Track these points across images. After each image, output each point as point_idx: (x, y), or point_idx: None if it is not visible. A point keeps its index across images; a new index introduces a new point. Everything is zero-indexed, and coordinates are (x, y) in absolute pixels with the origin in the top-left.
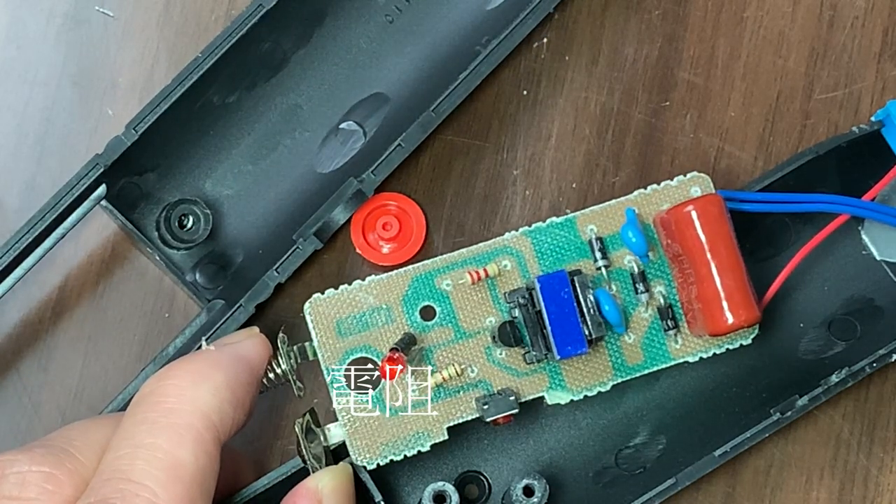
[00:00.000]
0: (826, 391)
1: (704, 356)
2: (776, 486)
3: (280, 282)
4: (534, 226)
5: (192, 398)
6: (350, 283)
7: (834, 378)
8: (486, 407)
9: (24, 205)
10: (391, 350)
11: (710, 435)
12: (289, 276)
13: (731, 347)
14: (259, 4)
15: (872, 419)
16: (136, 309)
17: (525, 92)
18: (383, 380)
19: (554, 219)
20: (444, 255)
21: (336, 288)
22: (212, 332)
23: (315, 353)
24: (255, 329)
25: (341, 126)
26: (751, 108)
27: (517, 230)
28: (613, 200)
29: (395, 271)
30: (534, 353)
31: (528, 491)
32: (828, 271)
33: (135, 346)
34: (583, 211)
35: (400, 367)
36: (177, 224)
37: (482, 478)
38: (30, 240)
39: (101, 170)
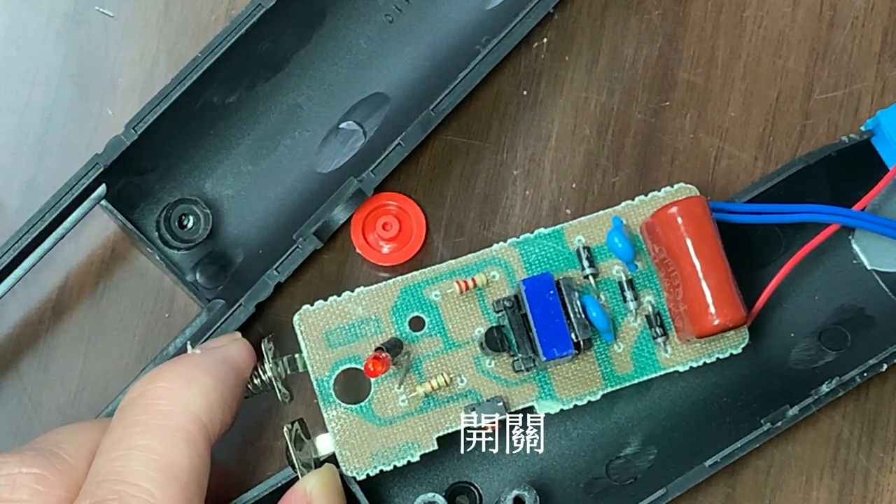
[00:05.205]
0: (816, 401)
1: (694, 365)
2: (776, 486)
3: (280, 281)
4: (522, 236)
5: (183, 400)
6: (346, 288)
7: (824, 388)
8: (473, 413)
9: (24, 205)
10: (376, 350)
11: (701, 445)
12: (289, 276)
13: (721, 357)
14: (258, 4)
15: (872, 419)
16: (136, 309)
17: (525, 92)
18: (369, 378)
19: (542, 230)
20: (433, 267)
21: (334, 291)
22: (212, 331)
23: (305, 365)
24: (238, 334)
25: (341, 126)
26: (751, 108)
27: (506, 241)
28: (601, 211)
29: (384, 282)
30: (520, 355)
31: (519, 502)
32: (818, 281)
33: (135, 346)
34: (570, 222)
35: (385, 367)
36: (177, 224)
37: (473, 489)
38: (30, 240)
39: (101, 169)
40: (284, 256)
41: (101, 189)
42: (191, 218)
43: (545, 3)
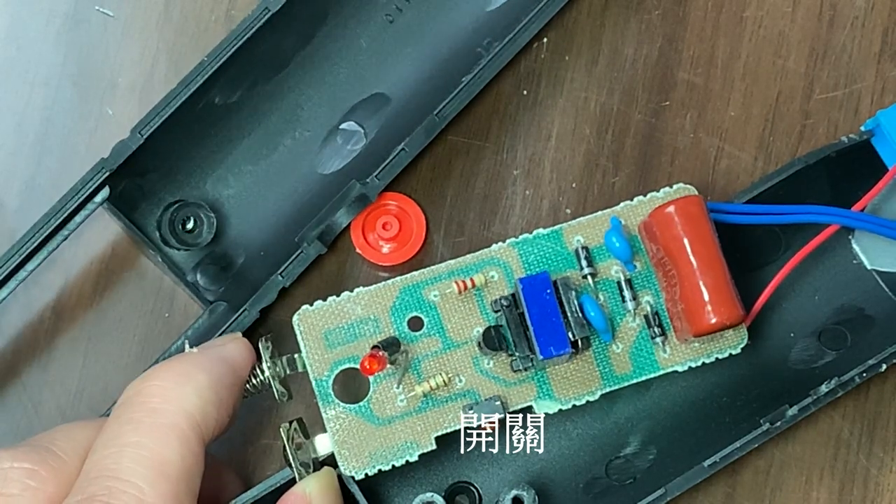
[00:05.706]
0: (816, 401)
1: (693, 365)
2: (776, 486)
3: (284, 286)
4: (521, 237)
5: (177, 398)
6: (346, 288)
7: (824, 388)
8: (471, 413)
9: (23, 205)
10: (373, 348)
11: (700, 445)
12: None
13: (720, 357)
14: (265, 8)
15: (872, 419)
16: (136, 309)
17: (525, 92)
18: (366, 376)
19: (540, 230)
20: (432, 267)
21: (334, 291)
22: (216, 334)
23: (304, 365)
24: (239, 333)
25: (342, 126)
26: (751, 108)
27: (504, 241)
28: (600, 212)
29: (383, 282)
30: (518, 354)
31: (518, 502)
32: (818, 281)
33: (135, 346)
34: (569, 222)
35: (381, 365)
36: (179, 225)
37: (472, 489)
38: (34, 244)
39: (107, 174)
40: (289, 261)
41: (105, 191)
42: (193, 220)
43: (550, 7)
